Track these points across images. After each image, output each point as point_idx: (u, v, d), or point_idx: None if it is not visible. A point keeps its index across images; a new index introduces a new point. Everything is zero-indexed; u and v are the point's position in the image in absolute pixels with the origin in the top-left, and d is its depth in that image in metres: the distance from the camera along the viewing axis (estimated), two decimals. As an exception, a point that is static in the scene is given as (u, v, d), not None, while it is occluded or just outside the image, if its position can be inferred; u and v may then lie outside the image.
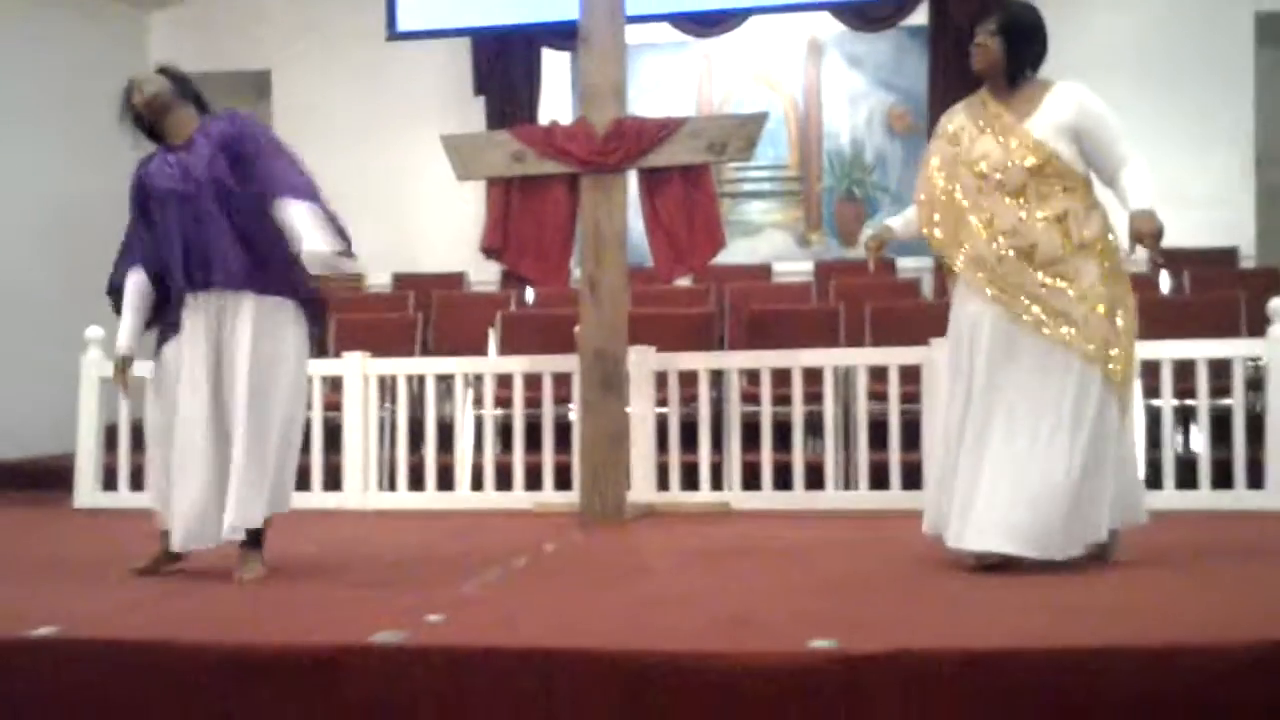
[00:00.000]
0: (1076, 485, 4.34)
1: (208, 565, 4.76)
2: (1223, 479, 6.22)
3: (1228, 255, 8.92)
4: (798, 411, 6.67)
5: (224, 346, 4.60)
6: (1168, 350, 6.31)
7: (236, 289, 4.58)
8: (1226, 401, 6.34)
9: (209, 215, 4.57)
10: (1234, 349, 6.39)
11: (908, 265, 9.61)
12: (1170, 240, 4.50)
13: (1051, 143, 4.46)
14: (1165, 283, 8.32)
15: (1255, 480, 6.17)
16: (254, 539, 4.66)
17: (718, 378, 6.98)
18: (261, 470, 4.56)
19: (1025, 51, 4.57)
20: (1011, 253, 4.45)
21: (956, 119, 4.68)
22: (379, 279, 10.02)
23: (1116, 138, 4.50)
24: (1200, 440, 6.42)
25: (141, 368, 4.80)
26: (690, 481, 6.71)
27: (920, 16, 9.58)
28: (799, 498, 6.61)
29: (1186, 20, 9.31)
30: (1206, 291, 7.92)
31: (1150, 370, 6.36)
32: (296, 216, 4.49)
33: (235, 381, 4.55)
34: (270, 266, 4.60)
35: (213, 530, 4.55)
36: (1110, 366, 4.40)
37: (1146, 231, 4.33)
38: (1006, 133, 4.52)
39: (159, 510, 4.71)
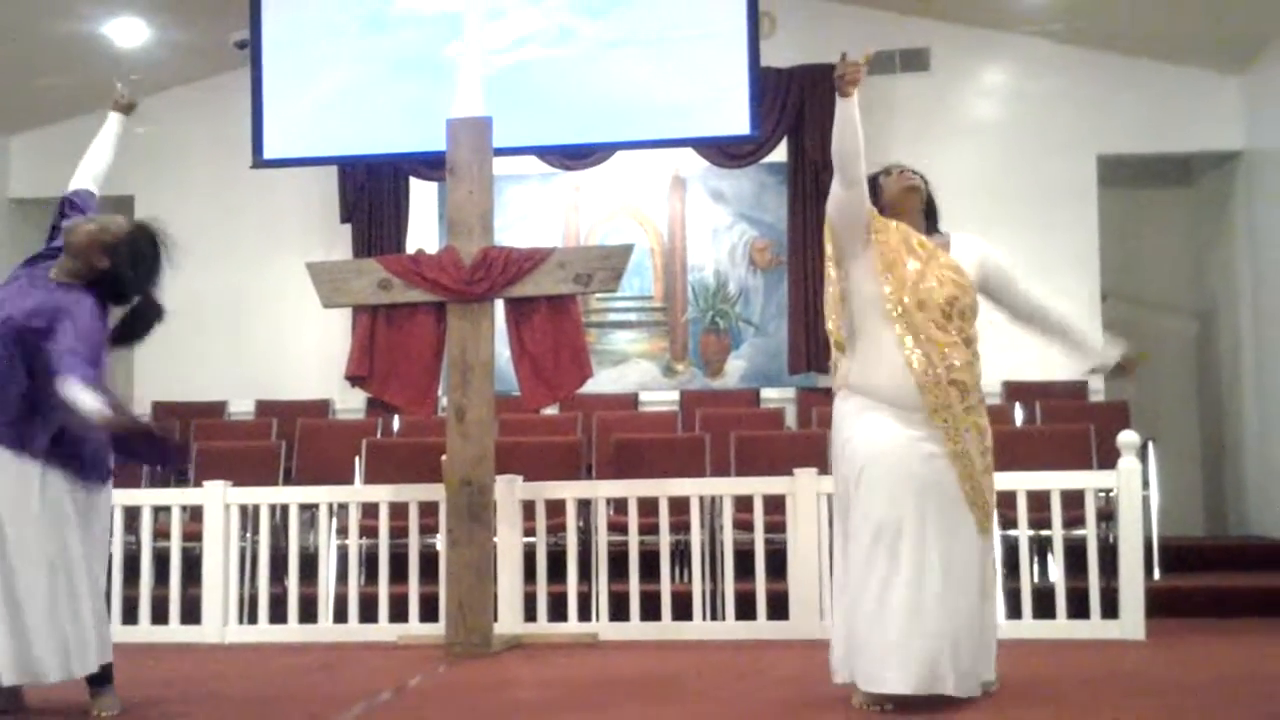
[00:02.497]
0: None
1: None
2: (1079, 608, 6.36)
3: (1078, 388, 9.21)
4: (665, 541, 6.69)
5: None
6: (1023, 481, 6.46)
7: None
8: (1080, 532, 6.50)
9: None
10: (1086, 480, 6.57)
11: (772, 395, 9.77)
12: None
13: (975, 279, 4.55)
14: (1018, 415, 8.57)
15: (1110, 609, 6.31)
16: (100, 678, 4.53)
17: (585, 507, 6.98)
18: None
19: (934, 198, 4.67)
20: (944, 380, 4.37)
21: (893, 226, 4.51)
22: (241, 406, 9.88)
23: (1017, 273, 4.64)
24: (1056, 570, 6.56)
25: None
26: (558, 612, 6.67)
27: (780, 154, 9.85)
28: (667, 628, 6.60)
29: (1034, 161, 9.70)
30: (1058, 424, 8.16)
31: (1006, 501, 6.52)
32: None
33: None
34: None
35: None
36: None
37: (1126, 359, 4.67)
38: (936, 261, 4.47)
39: None
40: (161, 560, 7.01)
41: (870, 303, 4.47)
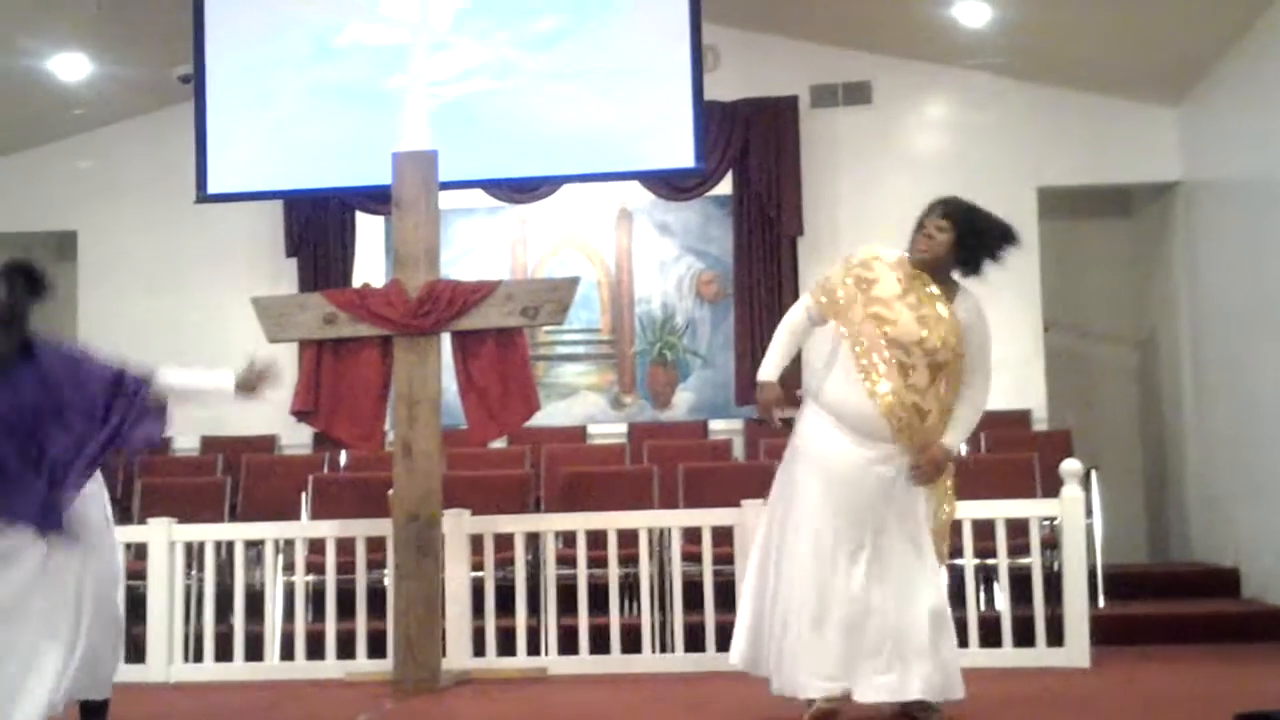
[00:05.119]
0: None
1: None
2: (1024, 636, 6.40)
3: (1021, 417, 9.30)
4: (613, 574, 6.69)
5: None
6: (968, 510, 6.49)
7: None
8: (1025, 560, 6.55)
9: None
10: (1030, 509, 6.62)
11: (719, 427, 9.79)
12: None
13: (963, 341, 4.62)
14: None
15: (1055, 637, 6.36)
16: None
17: (533, 540, 6.96)
18: None
19: (975, 254, 4.75)
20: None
21: (880, 269, 4.71)
22: (186, 441, 9.79)
23: (987, 357, 4.71)
24: (1001, 599, 6.60)
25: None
26: (506, 646, 6.64)
27: (725, 186, 9.91)
28: (616, 661, 6.58)
29: (975, 193, 9.52)
30: (1002, 453, 8.22)
31: (951, 530, 6.55)
32: None
33: None
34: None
35: None
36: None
37: (935, 460, 4.63)
38: (935, 313, 4.61)
39: None
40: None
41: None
